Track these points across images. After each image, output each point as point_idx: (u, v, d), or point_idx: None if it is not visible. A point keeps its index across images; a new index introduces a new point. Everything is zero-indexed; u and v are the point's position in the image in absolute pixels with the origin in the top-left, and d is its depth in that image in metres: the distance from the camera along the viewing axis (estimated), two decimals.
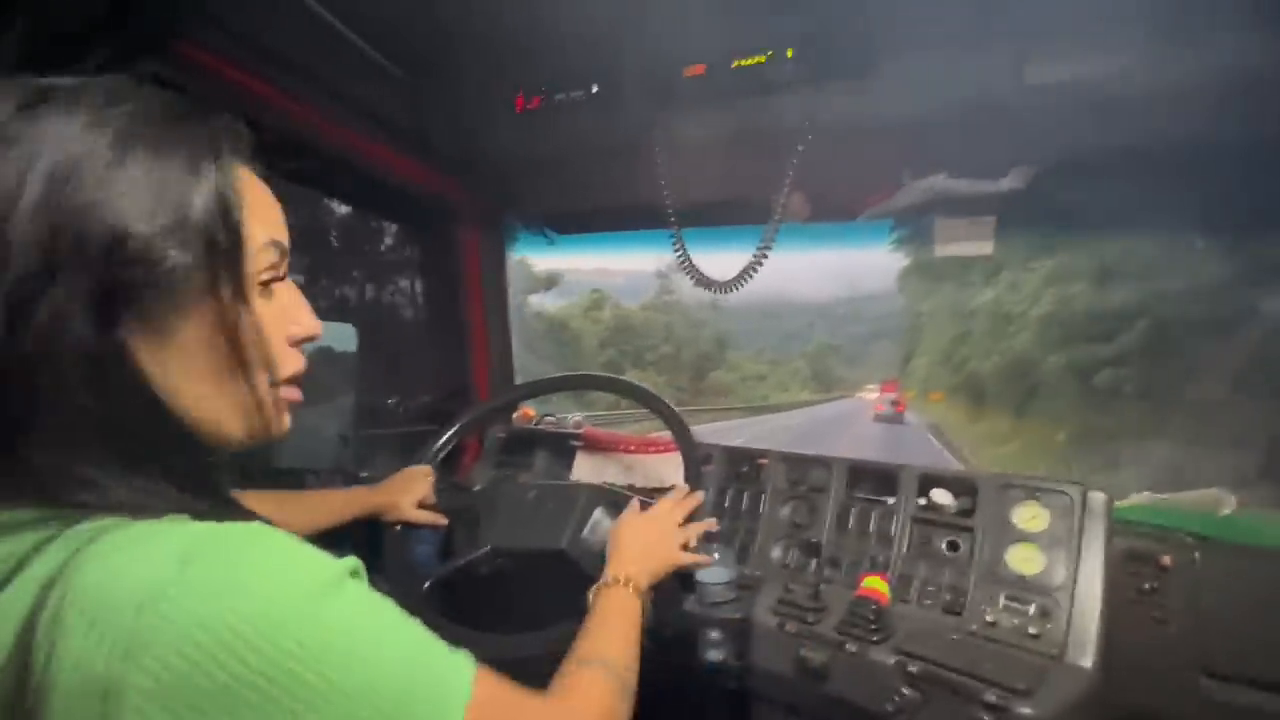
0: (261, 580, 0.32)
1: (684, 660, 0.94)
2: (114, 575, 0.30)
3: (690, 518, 0.90)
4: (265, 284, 0.42)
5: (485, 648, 0.48)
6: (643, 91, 1.04)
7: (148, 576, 0.30)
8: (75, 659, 0.29)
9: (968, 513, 0.96)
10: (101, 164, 0.34)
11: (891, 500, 1.03)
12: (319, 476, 1.29)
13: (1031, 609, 0.85)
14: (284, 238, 0.44)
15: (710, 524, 0.92)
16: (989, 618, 0.86)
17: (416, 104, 1.19)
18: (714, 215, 1.33)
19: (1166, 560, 0.85)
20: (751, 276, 1.08)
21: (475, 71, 1.14)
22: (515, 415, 1.50)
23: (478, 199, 1.44)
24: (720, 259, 1.15)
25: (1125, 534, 0.89)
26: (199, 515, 0.35)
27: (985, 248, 1.12)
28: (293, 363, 0.45)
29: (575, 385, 1.31)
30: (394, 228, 1.61)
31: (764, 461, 1.16)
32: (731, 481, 1.18)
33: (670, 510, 0.88)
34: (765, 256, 1.06)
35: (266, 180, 0.45)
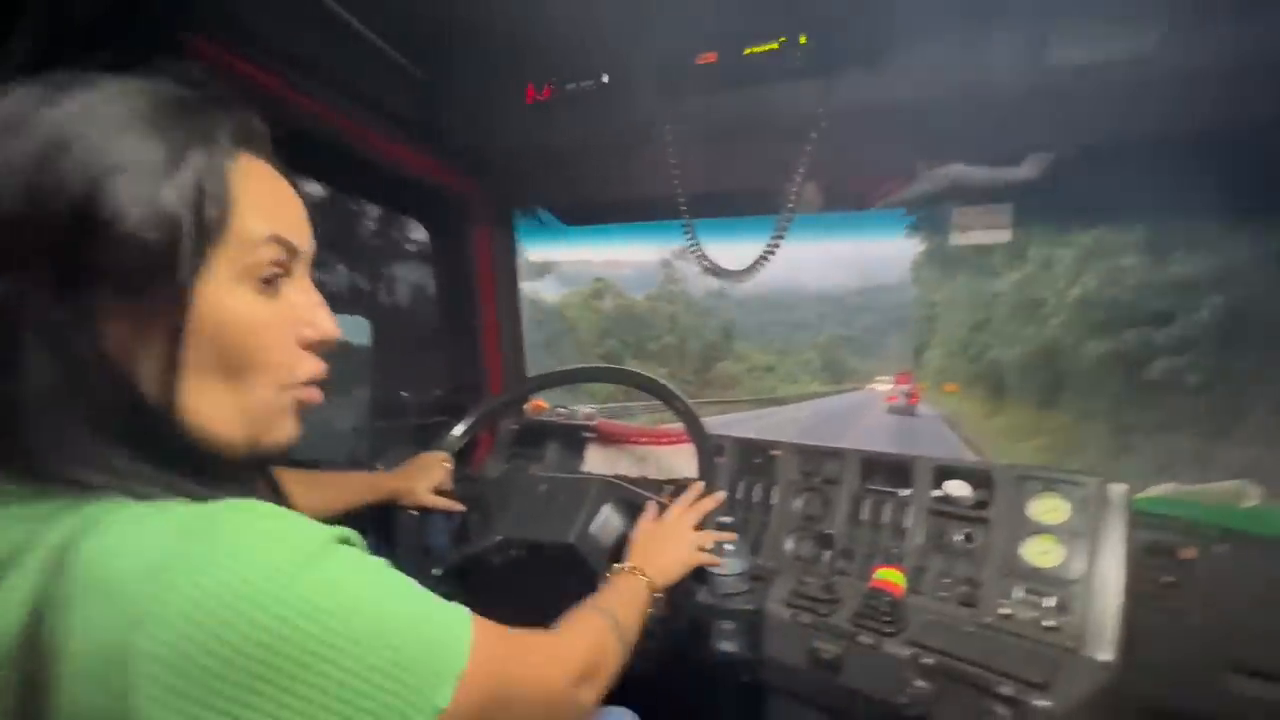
0: (259, 547, 0.33)
1: (697, 651, 0.94)
2: (118, 550, 0.32)
3: (708, 517, 0.92)
4: (267, 281, 0.41)
5: None
6: (654, 80, 1.03)
7: (151, 549, 0.31)
8: (85, 630, 0.30)
9: (983, 505, 0.95)
10: (90, 145, 0.35)
11: (905, 492, 1.02)
12: (333, 468, 1.31)
13: (1048, 602, 0.84)
14: (294, 235, 0.42)
15: (729, 536, 0.94)
16: (1005, 610, 0.85)
17: (427, 96, 1.19)
18: (726, 205, 1.32)
19: (1188, 553, 0.84)
20: (764, 265, 1.07)
21: (485, 63, 1.13)
22: (527, 407, 1.50)
23: (489, 191, 1.44)
24: (732, 249, 1.15)
25: (1145, 526, 0.88)
26: (197, 499, 0.35)
27: (1003, 235, 1.10)
28: (306, 367, 0.44)
29: (590, 378, 1.31)
30: (406, 220, 1.62)
31: (776, 453, 1.16)
32: (744, 473, 1.17)
33: (683, 514, 0.90)
34: (778, 246, 1.05)
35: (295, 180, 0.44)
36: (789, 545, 1.07)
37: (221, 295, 0.38)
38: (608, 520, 0.93)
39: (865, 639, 0.84)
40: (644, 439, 1.26)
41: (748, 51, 0.96)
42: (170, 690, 0.29)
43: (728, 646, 0.94)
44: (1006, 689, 0.72)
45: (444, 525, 1.06)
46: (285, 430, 0.44)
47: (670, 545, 0.85)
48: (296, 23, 0.95)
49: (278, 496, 0.48)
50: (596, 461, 1.30)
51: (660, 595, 0.79)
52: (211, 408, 0.39)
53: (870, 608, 0.86)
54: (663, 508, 0.92)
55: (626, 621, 0.67)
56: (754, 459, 1.18)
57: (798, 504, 1.10)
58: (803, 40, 0.93)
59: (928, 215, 1.29)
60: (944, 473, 1.00)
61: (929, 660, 0.79)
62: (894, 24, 0.90)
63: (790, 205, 1.04)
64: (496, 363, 1.53)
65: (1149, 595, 0.84)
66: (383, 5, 0.99)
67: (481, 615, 0.43)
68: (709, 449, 1.00)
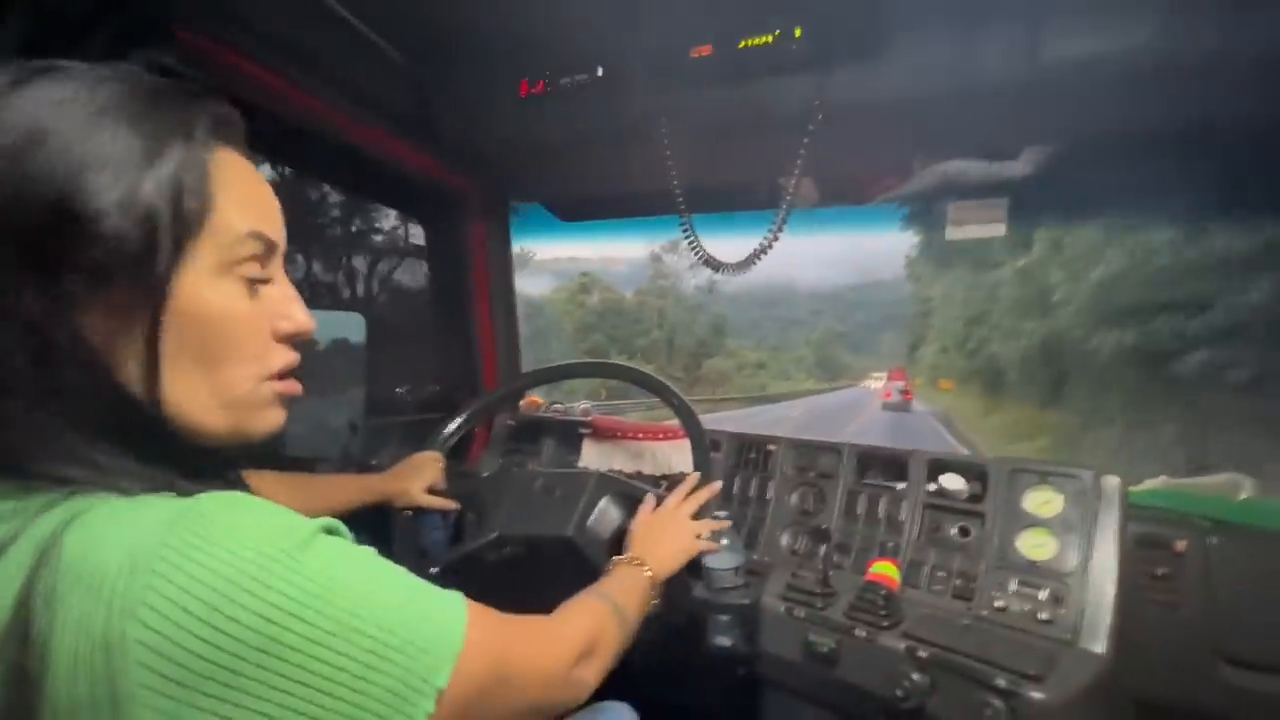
0: (244, 537, 0.33)
1: (693, 646, 0.94)
2: (104, 542, 0.32)
3: (705, 507, 0.92)
4: (245, 276, 0.41)
5: None
6: (648, 74, 1.02)
7: (137, 540, 0.32)
8: (75, 621, 0.30)
9: (978, 498, 0.95)
10: (67, 136, 0.35)
11: (901, 486, 1.02)
12: (329, 465, 1.30)
13: (1043, 594, 0.84)
14: (272, 230, 0.43)
15: (723, 524, 0.94)
16: (1000, 603, 0.85)
17: (420, 91, 1.18)
18: (722, 200, 1.32)
19: (1181, 545, 0.84)
20: (760, 259, 1.07)
21: (479, 57, 1.12)
22: (522, 403, 1.50)
23: (483, 186, 1.44)
24: (729, 244, 1.14)
25: (1139, 519, 0.88)
26: (183, 494, 0.35)
27: (998, 229, 1.10)
28: (281, 359, 0.44)
29: (585, 373, 1.31)
30: (400, 216, 1.61)
31: (772, 448, 1.16)
32: (739, 468, 1.17)
33: (680, 504, 0.90)
34: (775, 240, 1.05)
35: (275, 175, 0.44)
36: (784, 540, 1.08)
37: (200, 288, 0.39)
38: (606, 513, 0.93)
39: (861, 632, 0.84)
40: (640, 434, 1.26)
41: (742, 45, 0.95)
42: (161, 677, 0.30)
43: (723, 640, 0.94)
44: (1001, 681, 0.73)
45: (439, 525, 1.06)
46: (269, 420, 0.44)
47: (669, 535, 0.86)
48: (289, 17, 0.94)
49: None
50: (592, 457, 1.30)
51: (661, 589, 0.79)
52: (191, 399, 0.39)
53: (865, 601, 0.86)
54: (660, 500, 0.92)
55: (626, 607, 0.67)
56: (750, 454, 1.18)
57: (793, 498, 1.10)
58: (798, 34, 0.92)
59: (924, 210, 1.28)
60: (939, 467, 1.01)
61: (924, 653, 0.79)
62: (889, 18, 0.90)
63: (786, 200, 1.04)
64: (491, 358, 1.53)
65: (1142, 587, 0.85)
66: (378, 1, 0.98)
67: None
68: (704, 443, 1.00)
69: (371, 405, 1.43)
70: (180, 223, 0.37)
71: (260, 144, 1.16)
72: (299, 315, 0.44)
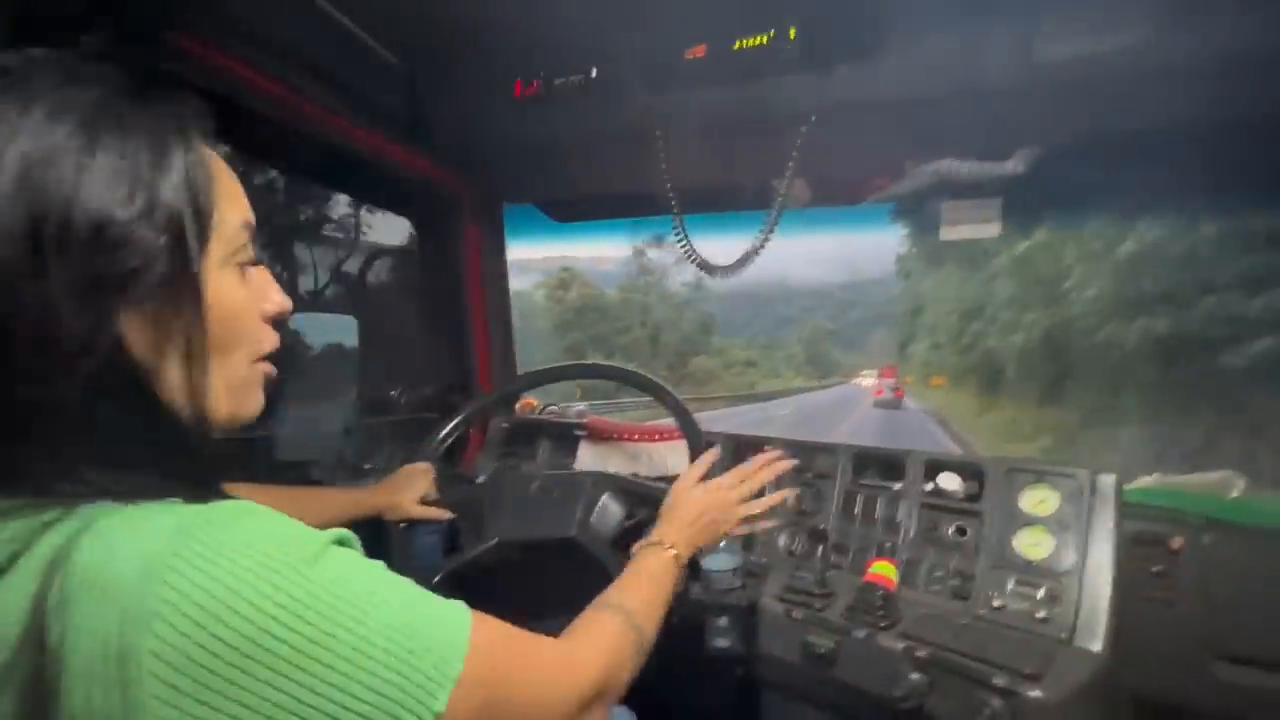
0: (254, 547, 0.34)
1: (691, 647, 0.94)
2: (115, 552, 0.32)
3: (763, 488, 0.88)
4: (242, 263, 0.43)
5: None
6: (643, 75, 1.02)
7: (148, 549, 0.32)
8: (89, 630, 0.30)
9: (975, 498, 0.96)
10: (73, 153, 0.35)
11: (898, 486, 1.03)
12: (323, 469, 1.30)
13: (1040, 593, 0.84)
14: (252, 218, 0.45)
15: (782, 495, 0.90)
16: (997, 602, 0.86)
17: (415, 93, 1.17)
18: (715, 200, 1.32)
19: (1176, 543, 0.85)
20: (753, 261, 1.07)
21: (473, 58, 1.12)
22: (518, 405, 1.49)
23: (477, 187, 1.43)
24: (721, 244, 1.14)
25: (1134, 517, 0.89)
26: (188, 501, 0.36)
27: (992, 229, 1.10)
28: (269, 339, 0.46)
29: (578, 375, 1.30)
30: (393, 217, 1.60)
31: (769, 449, 1.16)
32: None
33: (735, 487, 0.85)
34: (767, 241, 1.05)
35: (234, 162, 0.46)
36: (782, 540, 1.08)
37: (214, 281, 0.41)
38: (607, 509, 0.92)
39: (859, 633, 0.85)
40: (636, 436, 1.26)
41: (737, 46, 0.95)
42: (172, 687, 0.30)
43: (721, 642, 0.94)
44: (999, 680, 0.73)
45: (435, 535, 1.05)
46: (255, 403, 0.46)
47: (714, 514, 0.81)
48: (282, 20, 0.93)
49: None
50: (588, 459, 1.29)
51: (686, 567, 0.77)
52: (198, 388, 0.40)
53: (863, 601, 0.87)
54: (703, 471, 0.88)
55: (647, 614, 0.65)
56: (746, 454, 1.18)
57: (790, 500, 1.10)
58: (792, 35, 0.92)
59: (916, 209, 1.29)
60: (936, 466, 1.01)
61: (922, 653, 0.79)
62: (884, 18, 0.90)
63: (780, 200, 1.04)
64: (485, 360, 1.52)
65: (1138, 585, 0.85)
66: (370, 2, 0.97)
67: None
68: (700, 441, 1.00)
69: (365, 408, 1.42)
70: (199, 222, 0.39)
71: (254, 146, 1.15)
72: (279, 296, 0.47)
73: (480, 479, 1.21)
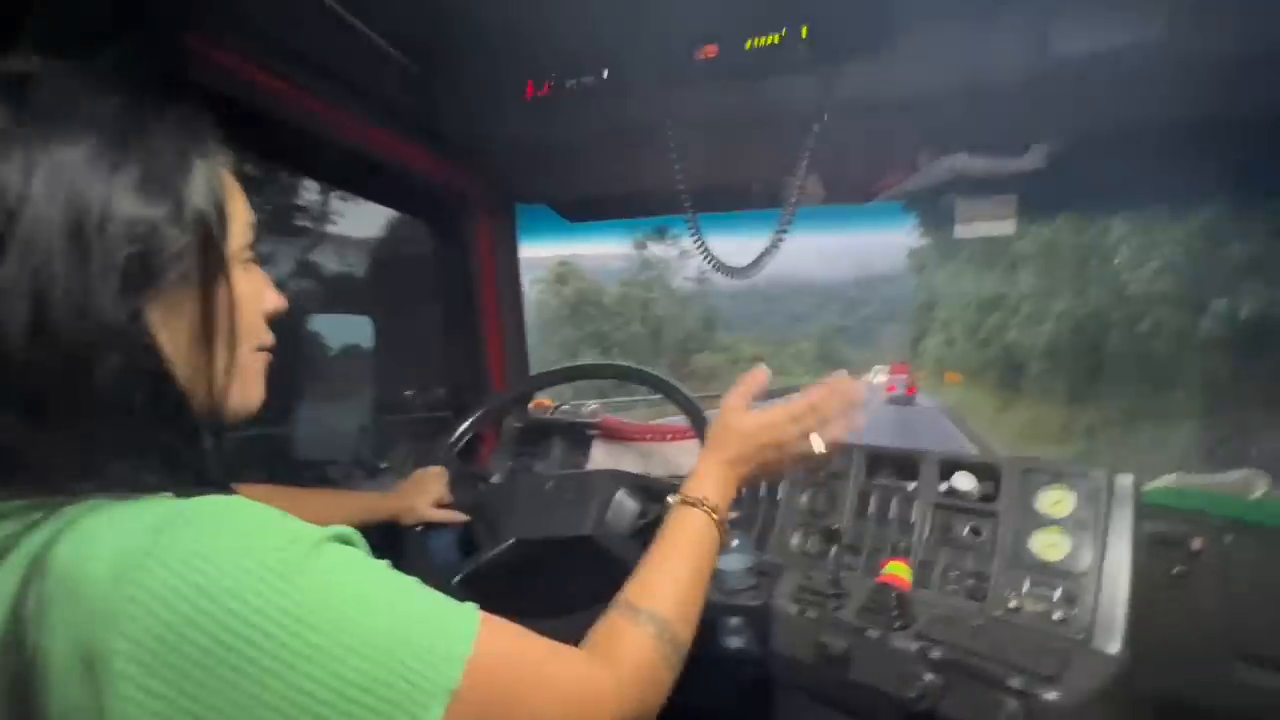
0: (233, 546, 0.33)
1: (704, 647, 0.94)
2: (92, 550, 0.32)
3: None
4: (247, 260, 0.46)
5: None
6: (654, 75, 1.02)
7: (124, 547, 0.31)
8: (63, 632, 0.30)
9: (990, 498, 0.95)
10: (105, 159, 0.37)
11: (912, 486, 1.02)
12: (339, 468, 1.31)
13: (1057, 594, 0.84)
14: (253, 219, 0.47)
15: (848, 421, 0.73)
16: (1013, 603, 0.85)
17: (427, 94, 1.18)
18: (728, 200, 1.31)
19: (1197, 544, 0.84)
20: (768, 260, 1.06)
21: (484, 60, 1.12)
22: (531, 405, 1.50)
23: (489, 188, 1.43)
24: (735, 243, 1.14)
25: (1154, 518, 0.87)
26: (184, 495, 0.36)
27: (1007, 227, 1.09)
28: (268, 335, 0.49)
29: (590, 375, 1.31)
30: (407, 219, 1.61)
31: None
32: None
33: (801, 417, 0.70)
34: (782, 239, 1.05)
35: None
36: (795, 540, 1.07)
37: (230, 277, 0.43)
38: (623, 505, 0.93)
39: (873, 633, 0.84)
40: (649, 435, 1.26)
41: (749, 45, 0.95)
42: (144, 689, 0.29)
43: (734, 642, 0.94)
44: (1015, 682, 0.72)
45: (450, 538, 1.06)
46: (260, 392, 0.48)
47: (770, 450, 0.69)
48: (295, 22, 0.94)
49: None
50: (601, 459, 1.30)
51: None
52: (211, 377, 0.43)
53: (877, 602, 0.86)
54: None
55: (683, 615, 0.57)
56: None
57: (803, 499, 1.10)
58: (804, 33, 0.92)
59: (930, 207, 1.28)
60: (950, 466, 1.00)
61: (937, 654, 0.79)
62: (896, 15, 0.90)
63: (794, 198, 1.03)
64: (499, 359, 1.53)
65: (1158, 586, 0.84)
66: (382, 3, 0.98)
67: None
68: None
69: (380, 407, 1.43)
70: (222, 222, 0.42)
71: (268, 148, 1.17)
72: (275, 295, 0.50)
73: (495, 479, 1.22)
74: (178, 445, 0.39)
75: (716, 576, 0.95)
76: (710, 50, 0.97)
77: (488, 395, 1.42)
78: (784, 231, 1.05)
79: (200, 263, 0.40)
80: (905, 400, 19.84)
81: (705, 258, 1.09)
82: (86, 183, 0.36)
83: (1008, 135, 1.08)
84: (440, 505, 1.01)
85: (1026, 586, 0.86)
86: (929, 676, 0.78)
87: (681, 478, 1.19)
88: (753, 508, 1.13)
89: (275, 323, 0.50)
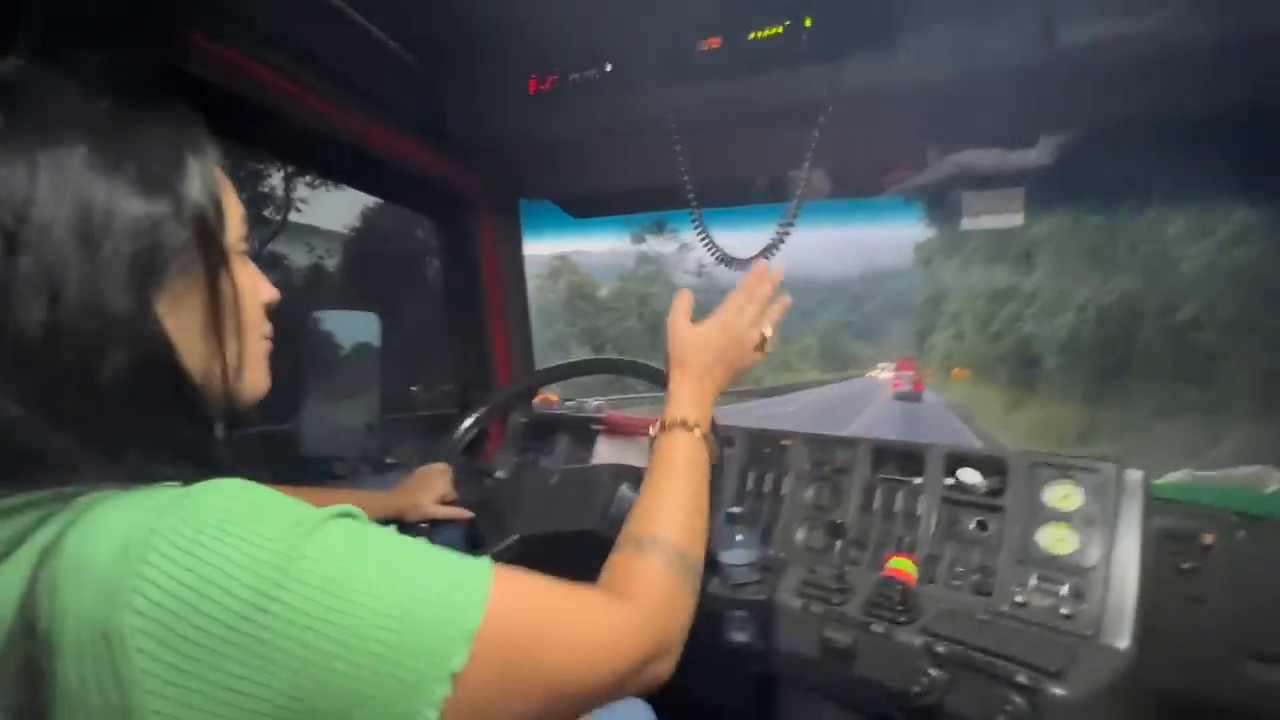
0: (238, 522, 0.33)
1: (708, 641, 0.94)
2: (102, 534, 0.32)
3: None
4: (242, 253, 0.47)
5: None
6: (657, 68, 1.02)
7: (130, 527, 0.32)
8: (74, 612, 0.30)
9: (997, 492, 0.94)
10: (104, 162, 0.38)
11: (918, 480, 1.01)
12: (346, 464, 1.32)
13: (1064, 589, 0.83)
14: (245, 213, 0.48)
15: (783, 303, 0.76)
16: (1019, 598, 0.84)
17: (430, 90, 1.18)
18: (733, 194, 1.31)
19: (1207, 539, 0.83)
20: (774, 254, 1.06)
21: (487, 55, 1.12)
22: (536, 400, 1.50)
23: (493, 184, 1.43)
24: (738, 238, 1.13)
25: (1164, 512, 0.87)
26: (186, 484, 0.36)
27: (1014, 219, 1.08)
28: (266, 323, 0.51)
29: (594, 370, 1.31)
30: (412, 215, 1.62)
31: (787, 443, 1.15)
32: (754, 464, 1.17)
33: (745, 306, 0.72)
34: (788, 234, 1.04)
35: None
36: (800, 535, 1.07)
37: (231, 269, 0.44)
38: (626, 500, 0.93)
39: (878, 628, 0.84)
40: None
41: (752, 36, 0.94)
42: (162, 662, 0.30)
43: (739, 637, 0.94)
44: (1022, 677, 0.72)
45: (456, 535, 1.06)
46: (265, 379, 0.50)
47: (731, 350, 0.70)
48: (298, 19, 0.94)
49: None
50: (606, 453, 1.30)
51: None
52: (218, 365, 0.44)
53: (882, 596, 0.86)
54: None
55: (692, 538, 0.57)
56: (763, 449, 1.18)
57: (809, 494, 1.10)
58: (808, 24, 0.91)
59: (937, 200, 1.27)
60: (956, 460, 1.00)
61: (943, 649, 0.78)
62: (899, 5, 0.89)
63: (799, 192, 1.02)
64: (505, 355, 1.53)
65: (1167, 582, 0.83)
66: (386, 1, 0.98)
67: None
68: (717, 437, 0.99)
69: (387, 403, 1.44)
70: (219, 216, 0.43)
71: (272, 145, 1.17)
72: (269, 286, 0.51)
73: (500, 474, 1.23)
74: (190, 435, 0.41)
75: (721, 570, 0.95)
76: (713, 42, 0.96)
77: (493, 390, 1.42)
78: (789, 225, 1.04)
79: (203, 256, 0.42)
80: (912, 397, 19.74)
81: (709, 250, 1.09)
82: (88, 184, 0.37)
83: (1014, 126, 1.06)
84: (445, 502, 1.02)
85: (1033, 581, 0.86)
86: (934, 672, 0.78)
87: None
88: (757, 502, 1.13)
89: (274, 315, 0.52)
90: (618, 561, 0.54)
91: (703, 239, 1.09)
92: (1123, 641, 0.77)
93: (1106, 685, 0.72)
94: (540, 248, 1.58)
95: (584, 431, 1.35)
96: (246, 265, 0.48)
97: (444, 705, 0.34)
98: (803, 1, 0.91)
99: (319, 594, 0.33)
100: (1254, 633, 0.80)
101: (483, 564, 0.41)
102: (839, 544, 1.02)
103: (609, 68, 1.04)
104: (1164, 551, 0.85)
